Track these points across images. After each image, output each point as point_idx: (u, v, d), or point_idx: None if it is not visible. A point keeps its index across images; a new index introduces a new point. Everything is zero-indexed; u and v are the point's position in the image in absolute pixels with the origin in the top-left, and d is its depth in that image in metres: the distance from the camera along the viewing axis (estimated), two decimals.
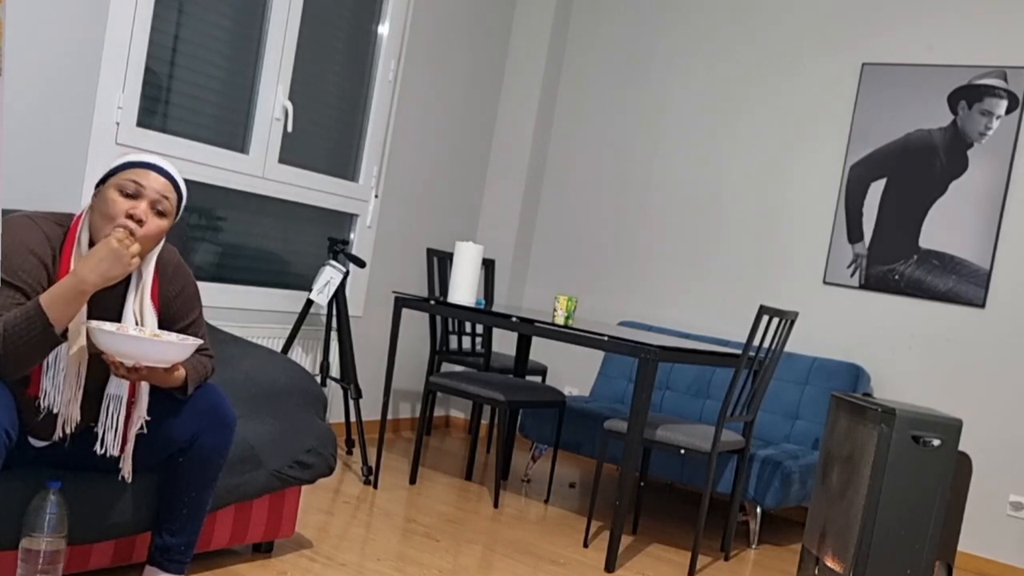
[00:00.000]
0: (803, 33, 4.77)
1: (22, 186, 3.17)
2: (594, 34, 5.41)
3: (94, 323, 2.07)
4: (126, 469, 2.27)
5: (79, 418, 2.20)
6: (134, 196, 2.15)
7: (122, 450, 2.26)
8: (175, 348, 2.08)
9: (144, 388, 2.25)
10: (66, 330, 2.07)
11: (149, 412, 2.28)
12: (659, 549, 3.70)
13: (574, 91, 5.45)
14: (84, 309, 2.14)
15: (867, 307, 4.49)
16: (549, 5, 5.36)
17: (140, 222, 2.14)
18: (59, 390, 2.14)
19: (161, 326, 2.32)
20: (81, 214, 2.21)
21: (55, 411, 2.16)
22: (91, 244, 2.19)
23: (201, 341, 2.20)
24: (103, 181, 2.20)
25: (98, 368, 2.22)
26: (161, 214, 2.19)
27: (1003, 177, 4.20)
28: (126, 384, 2.23)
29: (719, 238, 4.93)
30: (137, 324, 2.22)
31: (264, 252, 4.21)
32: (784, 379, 4.44)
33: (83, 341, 2.15)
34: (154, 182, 2.18)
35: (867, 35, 4.59)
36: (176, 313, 2.35)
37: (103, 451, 2.23)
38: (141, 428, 2.26)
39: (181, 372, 2.22)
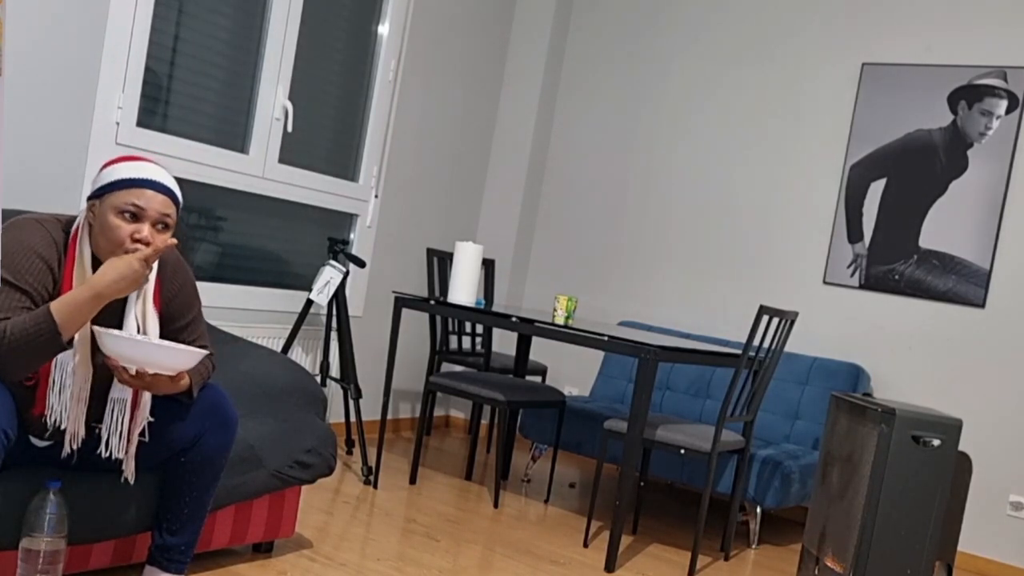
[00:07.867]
0: (803, 33, 4.77)
1: (22, 186, 3.17)
2: (594, 34, 5.41)
3: (102, 329, 2.06)
4: (129, 470, 2.27)
5: (84, 434, 2.20)
6: (135, 219, 2.13)
7: (126, 452, 2.26)
8: (182, 355, 2.08)
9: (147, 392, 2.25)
10: (72, 339, 2.07)
11: (152, 413, 2.28)
12: (659, 549, 3.70)
13: (574, 91, 5.45)
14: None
15: (867, 307, 4.49)
16: (549, 5, 5.36)
17: (147, 244, 2.13)
18: (65, 407, 2.14)
19: (162, 325, 2.31)
20: (78, 226, 2.18)
21: (62, 428, 2.17)
22: (94, 260, 2.18)
23: (206, 352, 2.19)
24: (97, 195, 2.16)
25: (102, 374, 2.21)
26: (166, 227, 2.17)
27: (1003, 177, 4.20)
28: (130, 388, 2.22)
29: (719, 238, 4.93)
30: (139, 326, 2.22)
31: (264, 252, 4.21)
32: (784, 379, 4.44)
33: (88, 353, 2.15)
34: (153, 201, 2.14)
35: (867, 35, 4.59)
36: (176, 311, 2.34)
37: (108, 454, 2.23)
38: (143, 433, 2.26)
39: (186, 380, 2.21)
